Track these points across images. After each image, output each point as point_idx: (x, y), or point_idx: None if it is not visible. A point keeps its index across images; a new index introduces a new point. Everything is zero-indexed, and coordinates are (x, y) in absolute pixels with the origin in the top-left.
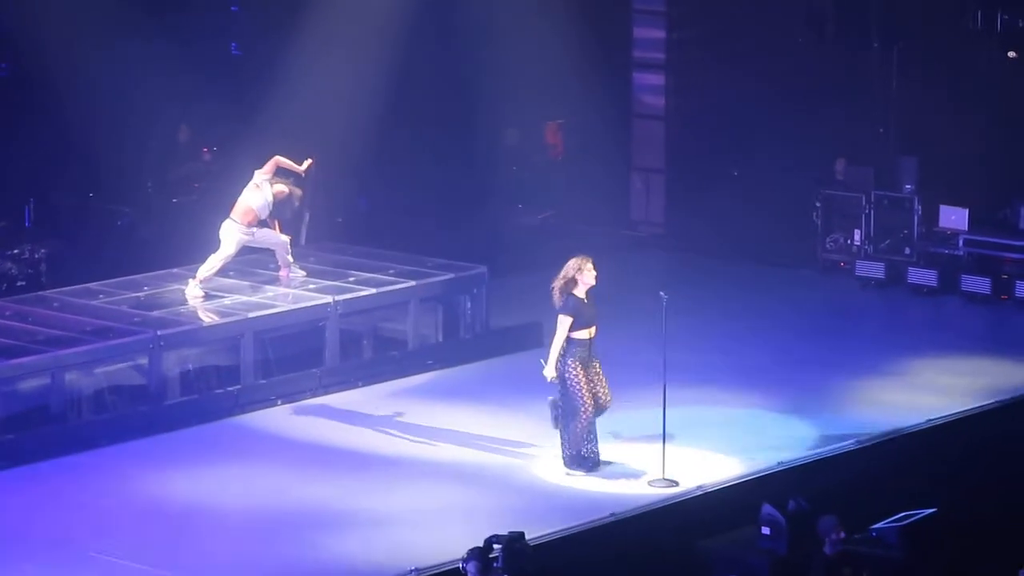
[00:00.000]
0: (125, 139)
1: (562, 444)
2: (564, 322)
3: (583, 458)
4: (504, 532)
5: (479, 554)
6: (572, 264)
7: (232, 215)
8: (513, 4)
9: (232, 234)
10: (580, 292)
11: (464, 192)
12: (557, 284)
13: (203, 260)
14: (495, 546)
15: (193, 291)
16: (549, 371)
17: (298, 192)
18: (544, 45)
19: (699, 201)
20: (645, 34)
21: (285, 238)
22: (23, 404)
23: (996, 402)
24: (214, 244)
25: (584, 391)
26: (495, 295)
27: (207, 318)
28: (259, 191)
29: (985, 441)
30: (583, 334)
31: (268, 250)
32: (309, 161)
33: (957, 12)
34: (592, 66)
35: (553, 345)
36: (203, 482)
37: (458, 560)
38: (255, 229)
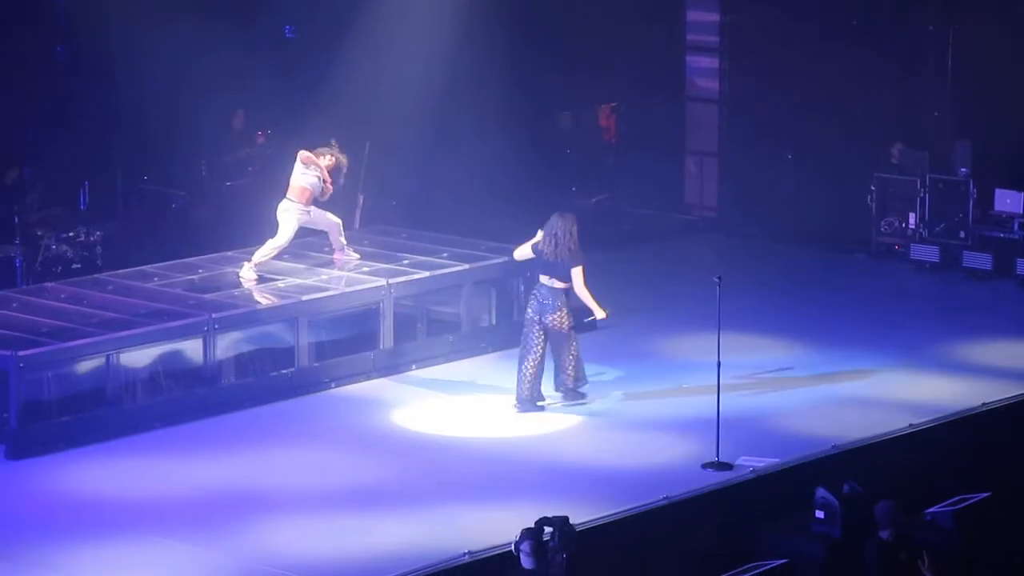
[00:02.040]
0: (179, 122)
1: (525, 384)
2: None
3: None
4: (558, 513)
5: (532, 534)
6: (566, 223)
7: (288, 195)
8: None
9: (290, 214)
10: None
11: (518, 175)
12: (572, 242)
13: (257, 243)
14: (546, 528)
15: (247, 274)
16: (600, 312)
17: (344, 159)
18: (599, 29)
19: (753, 185)
20: (699, 17)
21: (337, 219)
22: (79, 387)
23: None
24: (268, 227)
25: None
26: None
27: (262, 301)
28: (308, 170)
29: None
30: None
31: (323, 233)
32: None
33: None
34: (646, 49)
35: (585, 294)
36: (257, 465)
37: (511, 542)
38: (312, 208)
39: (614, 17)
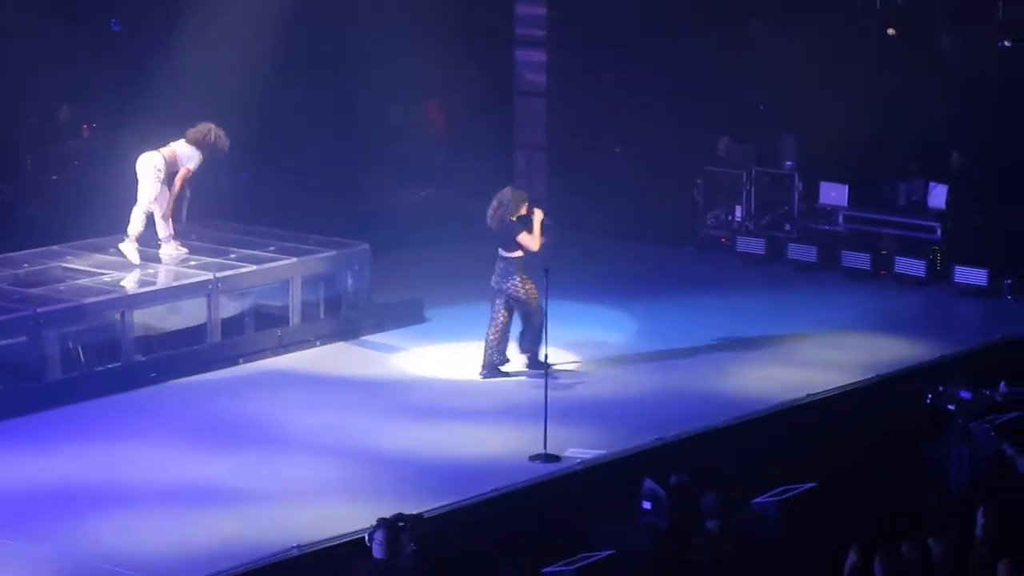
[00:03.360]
0: (2, 115)
1: (488, 352)
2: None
3: (497, 366)
4: (386, 507)
5: (387, 524)
6: (517, 196)
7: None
8: None
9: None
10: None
11: (347, 169)
12: (509, 212)
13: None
14: (400, 524)
15: (166, 251)
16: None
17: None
18: (426, 22)
19: (581, 178)
20: (527, 11)
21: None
22: None
23: (876, 376)
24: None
25: (536, 298)
26: (377, 271)
27: (87, 295)
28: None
29: (864, 415)
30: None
31: (153, 228)
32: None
33: None
34: (474, 44)
35: (536, 234)
36: (86, 460)
37: (339, 536)
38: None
39: (443, 10)
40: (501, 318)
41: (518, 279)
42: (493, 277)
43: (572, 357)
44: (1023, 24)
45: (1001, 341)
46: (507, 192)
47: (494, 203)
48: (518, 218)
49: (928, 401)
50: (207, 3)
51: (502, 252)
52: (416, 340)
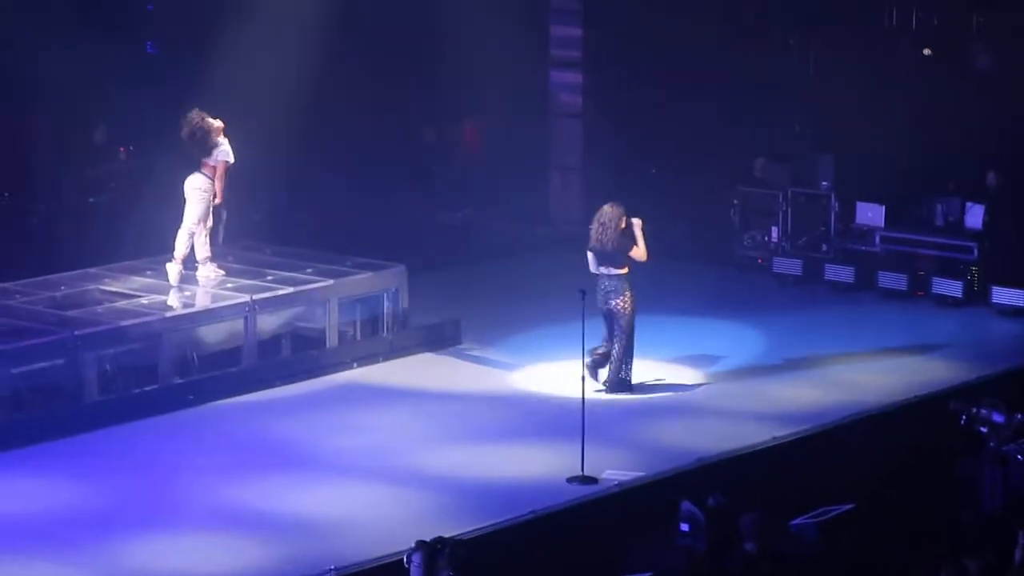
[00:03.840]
0: (40, 137)
1: (613, 366)
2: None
3: (624, 380)
4: (424, 530)
5: (425, 547)
6: (615, 212)
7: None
8: (430, 3)
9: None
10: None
11: (383, 190)
12: (613, 230)
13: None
14: (437, 547)
15: (204, 272)
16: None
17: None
18: (462, 43)
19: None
20: (562, 32)
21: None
22: None
23: (913, 398)
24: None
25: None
26: (414, 293)
27: (125, 318)
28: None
29: (902, 437)
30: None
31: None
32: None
33: (872, 9)
34: (510, 64)
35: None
36: (123, 483)
37: (376, 559)
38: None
39: (478, 32)
40: (622, 336)
41: (627, 295)
42: (598, 296)
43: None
44: None
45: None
46: (606, 211)
47: (595, 225)
48: (621, 233)
49: (962, 423)
50: (244, 25)
51: (610, 270)
52: (454, 361)
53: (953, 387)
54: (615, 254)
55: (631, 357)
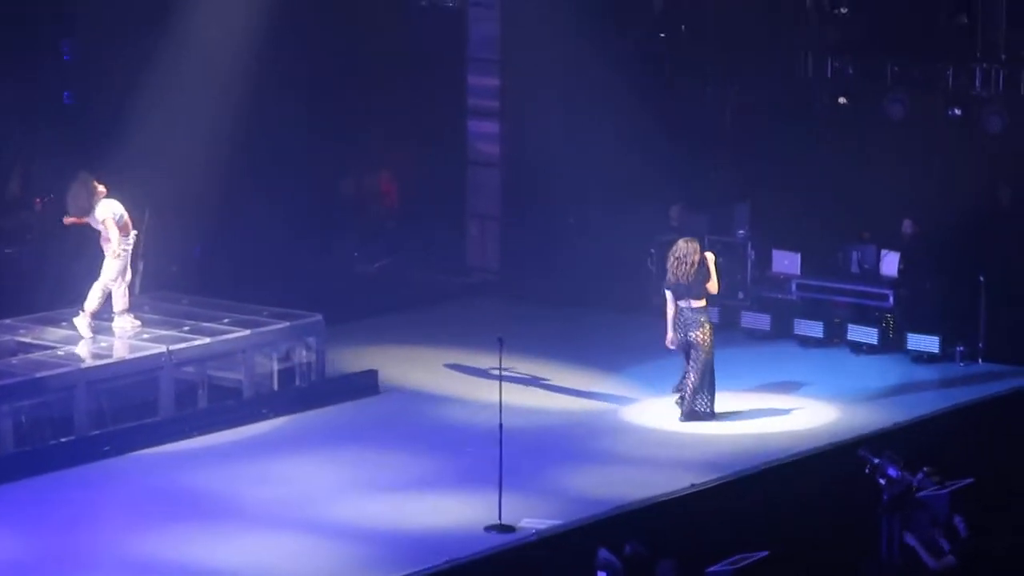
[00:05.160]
0: None
1: (687, 399)
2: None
3: (700, 412)
4: None
5: None
6: (690, 246)
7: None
8: (347, 54)
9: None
10: None
11: (301, 241)
12: (690, 263)
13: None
14: None
15: (120, 323)
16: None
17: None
18: (379, 93)
19: (534, 248)
20: (479, 82)
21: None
22: None
23: (827, 445)
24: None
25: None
26: (332, 343)
27: (40, 369)
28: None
29: (819, 484)
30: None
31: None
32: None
33: (789, 59)
34: (426, 114)
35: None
36: (39, 535)
37: None
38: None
39: (395, 82)
40: (697, 366)
41: (706, 328)
42: (678, 330)
43: (526, 422)
44: (969, 92)
45: (943, 412)
46: (681, 246)
47: (671, 260)
48: (695, 265)
49: (867, 472)
50: (159, 78)
51: (689, 303)
52: (371, 410)
53: (864, 435)
54: (693, 287)
55: (712, 388)
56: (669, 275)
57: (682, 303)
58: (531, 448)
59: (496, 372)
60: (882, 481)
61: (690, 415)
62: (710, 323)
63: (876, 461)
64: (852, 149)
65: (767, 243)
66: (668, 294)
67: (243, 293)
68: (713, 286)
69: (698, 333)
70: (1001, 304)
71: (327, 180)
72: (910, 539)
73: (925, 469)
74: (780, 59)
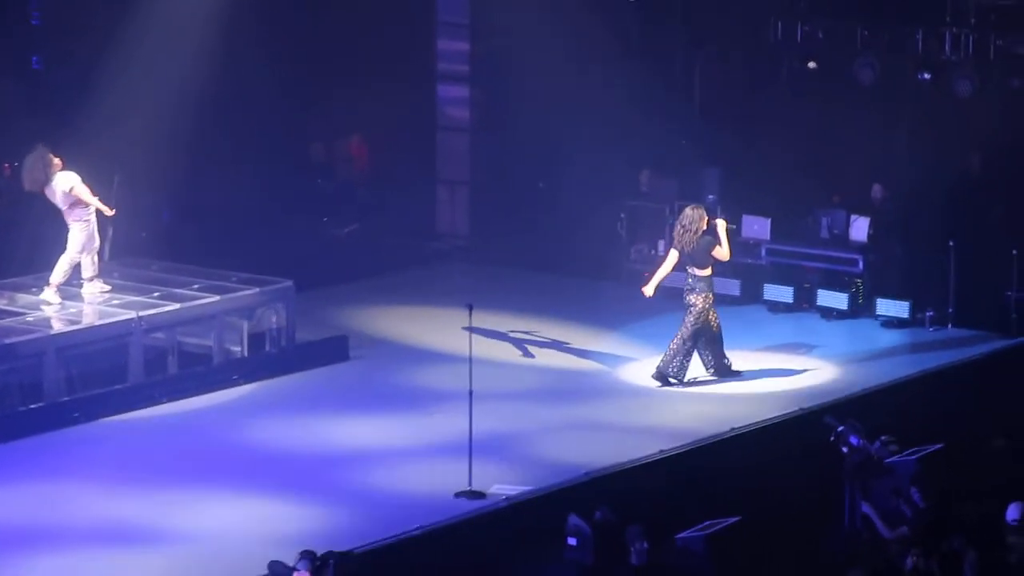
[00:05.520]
0: None
1: (664, 359)
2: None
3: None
4: (313, 544)
5: (310, 557)
6: (697, 213)
7: None
8: (317, 18)
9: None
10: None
11: (269, 205)
12: (695, 231)
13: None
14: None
15: (90, 289)
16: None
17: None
18: (348, 58)
19: (504, 213)
20: (449, 46)
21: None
22: None
23: (799, 410)
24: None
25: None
26: (301, 308)
27: (10, 335)
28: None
29: (788, 448)
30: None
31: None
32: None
33: (758, 23)
34: (396, 79)
35: (725, 245)
36: (11, 502)
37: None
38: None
39: (365, 47)
40: (685, 331)
41: (704, 295)
42: (684, 295)
43: (496, 388)
44: (939, 56)
45: (912, 377)
46: (687, 213)
47: (678, 228)
48: (704, 233)
49: (831, 439)
50: (128, 42)
51: (695, 271)
52: (341, 377)
53: (831, 402)
54: (695, 255)
55: (689, 356)
56: (675, 241)
57: (688, 269)
58: (503, 414)
59: (467, 338)
60: (844, 449)
61: (660, 375)
62: (708, 293)
63: (840, 429)
64: (822, 114)
65: (737, 208)
66: (673, 252)
67: (212, 259)
68: (721, 254)
69: (693, 299)
70: (970, 269)
71: (297, 145)
72: (867, 508)
73: (883, 438)
74: (749, 24)
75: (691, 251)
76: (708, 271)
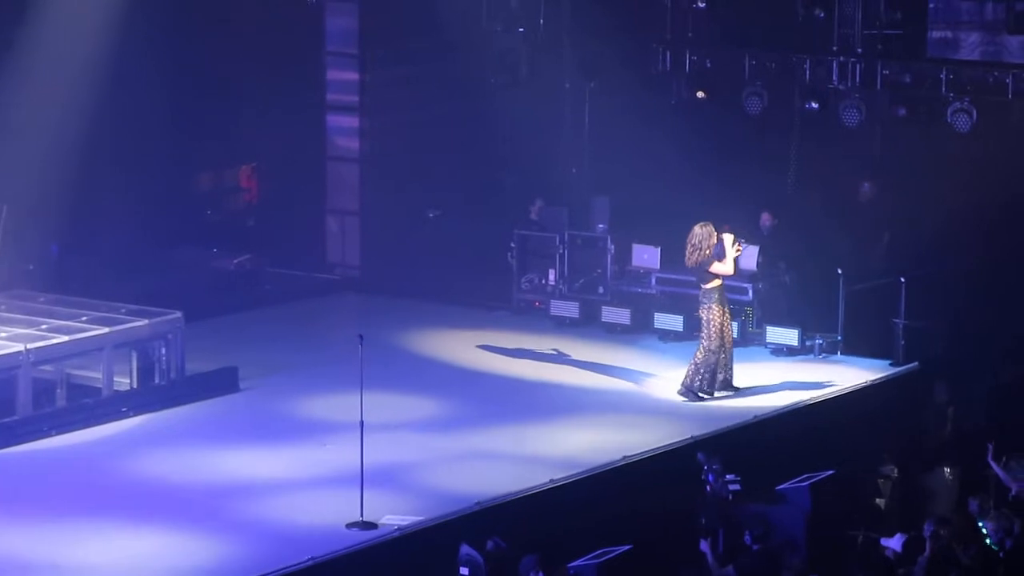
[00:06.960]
0: None
1: (688, 375)
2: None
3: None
4: None
5: None
6: (704, 231)
7: None
8: (207, 47)
9: None
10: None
11: (158, 237)
12: (704, 249)
13: None
14: None
15: None
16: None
17: None
18: (238, 87)
19: (395, 243)
20: (339, 76)
21: None
22: None
23: (690, 438)
24: None
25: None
26: (191, 340)
27: None
28: None
29: (680, 476)
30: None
31: None
32: None
33: (646, 53)
34: (286, 109)
35: (730, 262)
36: None
37: None
38: None
39: (254, 76)
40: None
41: (713, 306)
42: (699, 308)
43: (387, 419)
44: (826, 85)
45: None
46: (695, 233)
47: (688, 248)
48: (711, 249)
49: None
50: (13, 74)
51: (702, 286)
52: (231, 408)
53: (720, 431)
54: (697, 272)
55: (713, 369)
56: (687, 262)
57: (701, 285)
58: (394, 444)
59: (358, 369)
60: (707, 487)
61: (688, 391)
62: (722, 306)
63: (704, 467)
64: (711, 142)
65: (627, 238)
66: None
67: (101, 291)
68: (723, 269)
69: (703, 313)
70: (859, 297)
71: (186, 175)
72: (704, 545)
73: (728, 477)
74: (638, 54)
75: (694, 269)
76: (714, 283)
